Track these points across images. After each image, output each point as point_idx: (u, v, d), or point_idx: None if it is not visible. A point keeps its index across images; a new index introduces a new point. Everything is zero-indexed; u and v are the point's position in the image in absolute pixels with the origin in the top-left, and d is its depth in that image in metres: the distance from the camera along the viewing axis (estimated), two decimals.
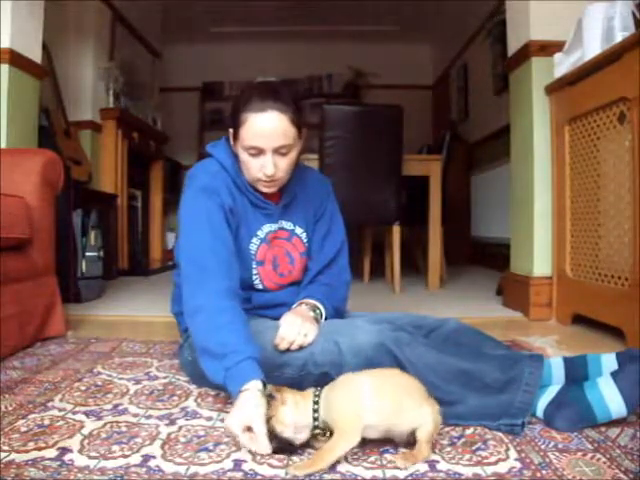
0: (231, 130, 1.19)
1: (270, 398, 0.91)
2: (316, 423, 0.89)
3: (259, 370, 0.97)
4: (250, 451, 0.91)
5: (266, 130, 1.11)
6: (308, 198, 1.31)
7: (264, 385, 0.94)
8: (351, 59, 5.65)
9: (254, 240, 1.25)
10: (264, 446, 0.88)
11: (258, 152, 1.14)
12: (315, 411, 0.89)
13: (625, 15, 1.77)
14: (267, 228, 1.26)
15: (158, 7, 4.81)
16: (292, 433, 0.89)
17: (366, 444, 0.91)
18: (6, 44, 2.12)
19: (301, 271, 1.32)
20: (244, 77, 5.91)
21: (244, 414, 0.90)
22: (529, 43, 2.19)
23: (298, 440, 0.90)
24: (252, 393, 0.92)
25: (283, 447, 0.90)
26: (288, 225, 1.29)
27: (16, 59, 2.17)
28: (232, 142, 1.21)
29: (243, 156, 1.17)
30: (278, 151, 1.14)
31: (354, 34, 5.47)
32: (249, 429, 0.89)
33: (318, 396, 0.90)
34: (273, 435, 0.89)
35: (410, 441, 0.90)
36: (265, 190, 1.21)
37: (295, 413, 0.89)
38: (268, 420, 0.89)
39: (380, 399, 0.89)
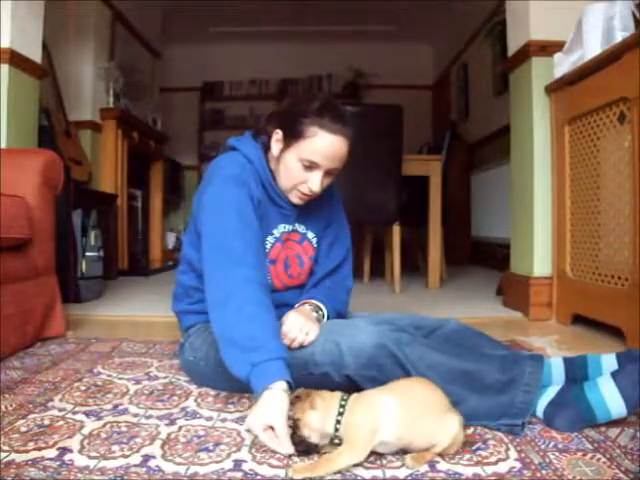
0: (280, 132, 1.17)
1: (298, 400, 0.89)
2: (337, 433, 0.87)
3: (287, 372, 0.95)
4: (264, 445, 0.90)
5: (331, 152, 1.13)
6: (322, 204, 1.31)
7: (289, 387, 0.93)
8: (351, 59, 5.65)
9: (269, 238, 1.25)
10: (286, 447, 0.87)
11: (312, 166, 1.14)
12: (338, 422, 0.87)
13: (625, 15, 1.77)
14: (282, 228, 1.26)
15: (158, 7, 4.81)
16: (318, 439, 0.88)
17: None
18: (6, 44, 2.12)
19: (308, 274, 1.33)
20: (244, 77, 5.95)
21: (266, 413, 0.89)
22: (529, 43, 2.19)
23: (321, 444, 0.89)
24: (276, 392, 0.91)
25: (305, 449, 0.89)
26: (301, 229, 1.30)
27: (16, 59, 2.17)
28: (276, 143, 1.18)
29: (292, 163, 1.15)
30: (329, 172, 1.16)
31: (354, 34, 5.47)
32: (271, 428, 0.88)
33: (344, 407, 0.88)
34: (297, 437, 0.88)
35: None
36: (297, 202, 1.21)
37: (324, 419, 0.87)
38: (295, 421, 0.88)
39: (400, 420, 0.87)
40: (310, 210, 1.28)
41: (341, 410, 0.88)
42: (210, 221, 1.14)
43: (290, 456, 0.89)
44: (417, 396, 0.91)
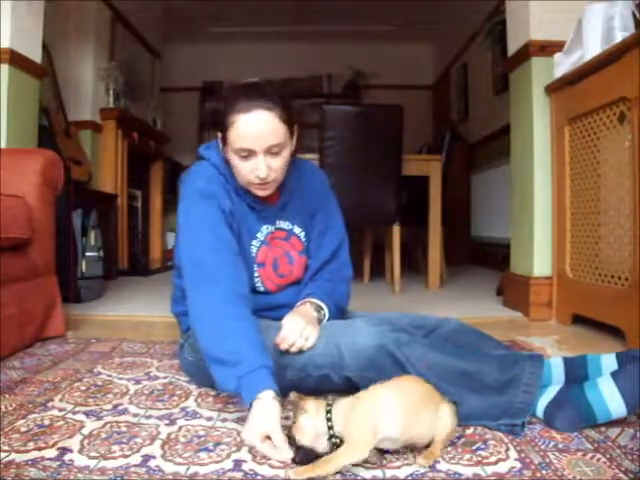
0: (219, 134, 1.17)
1: (292, 405, 0.88)
2: (331, 432, 0.87)
3: (272, 380, 0.95)
4: (264, 456, 0.89)
5: (254, 130, 1.09)
6: (304, 193, 1.29)
7: (277, 394, 0.93)
8: (351, 59, 5.65)
9: (254, 242, 1.24)
10: (285, 453, 0.86)
11: (248, 154, 1.11)
12: (329, 419, 0.87)
13: (625, 15, 1.77)
14: (265, 230, 1.25)
15: (158, 7, 4.81)
16: (310, 441, 0.87)
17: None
18: (6, 44, 2.12)
19: (301, 270, 1.31)
20: (244, 77, 5.90)
21: (261, 424, 0.88)
22: (529, 43, 2.19)
23: (319, 449, 0.88)
24: (266, 401, 0.91)
25: (305, 457, 0.88)
26: (286, 225, 1.28)
27: (16, 59, 2.17)
28: (221, 146, 1.19)
29: (234, 160, 1.14)
30: (269, 151, 1.11)
31: (354, 34, 5.47)
32: (267, 438, 0.87)
33: (331, 405, 0.88)
34: (294, 444, 0.87)
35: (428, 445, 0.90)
36: (260, 194, 1.19)
37: (315, 421, 0.87)
38: (290, 428, 0.88)
39: (403, 414, 0.87)
40: (290, 203, 1.27)
41: (328, 408, 0.87)
42: (184, 238, 1.16)
43: (290, 464, 0.87)
44: (414, 390, 0.91)
